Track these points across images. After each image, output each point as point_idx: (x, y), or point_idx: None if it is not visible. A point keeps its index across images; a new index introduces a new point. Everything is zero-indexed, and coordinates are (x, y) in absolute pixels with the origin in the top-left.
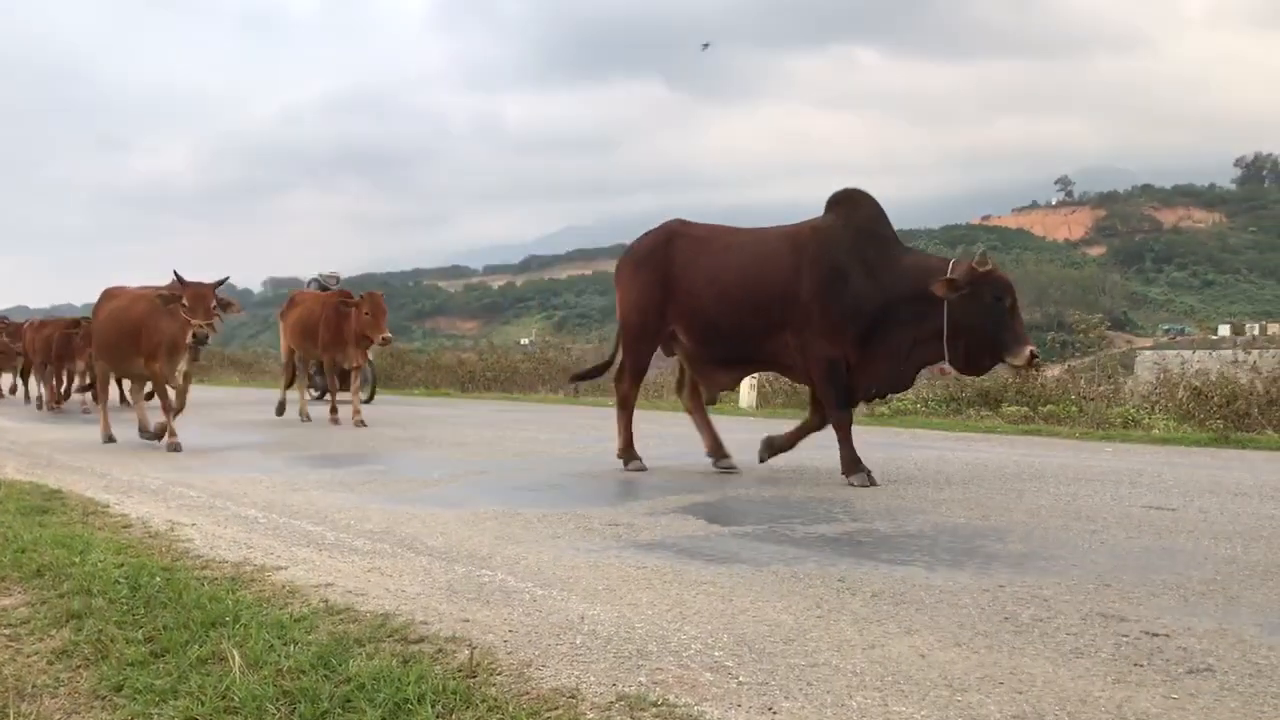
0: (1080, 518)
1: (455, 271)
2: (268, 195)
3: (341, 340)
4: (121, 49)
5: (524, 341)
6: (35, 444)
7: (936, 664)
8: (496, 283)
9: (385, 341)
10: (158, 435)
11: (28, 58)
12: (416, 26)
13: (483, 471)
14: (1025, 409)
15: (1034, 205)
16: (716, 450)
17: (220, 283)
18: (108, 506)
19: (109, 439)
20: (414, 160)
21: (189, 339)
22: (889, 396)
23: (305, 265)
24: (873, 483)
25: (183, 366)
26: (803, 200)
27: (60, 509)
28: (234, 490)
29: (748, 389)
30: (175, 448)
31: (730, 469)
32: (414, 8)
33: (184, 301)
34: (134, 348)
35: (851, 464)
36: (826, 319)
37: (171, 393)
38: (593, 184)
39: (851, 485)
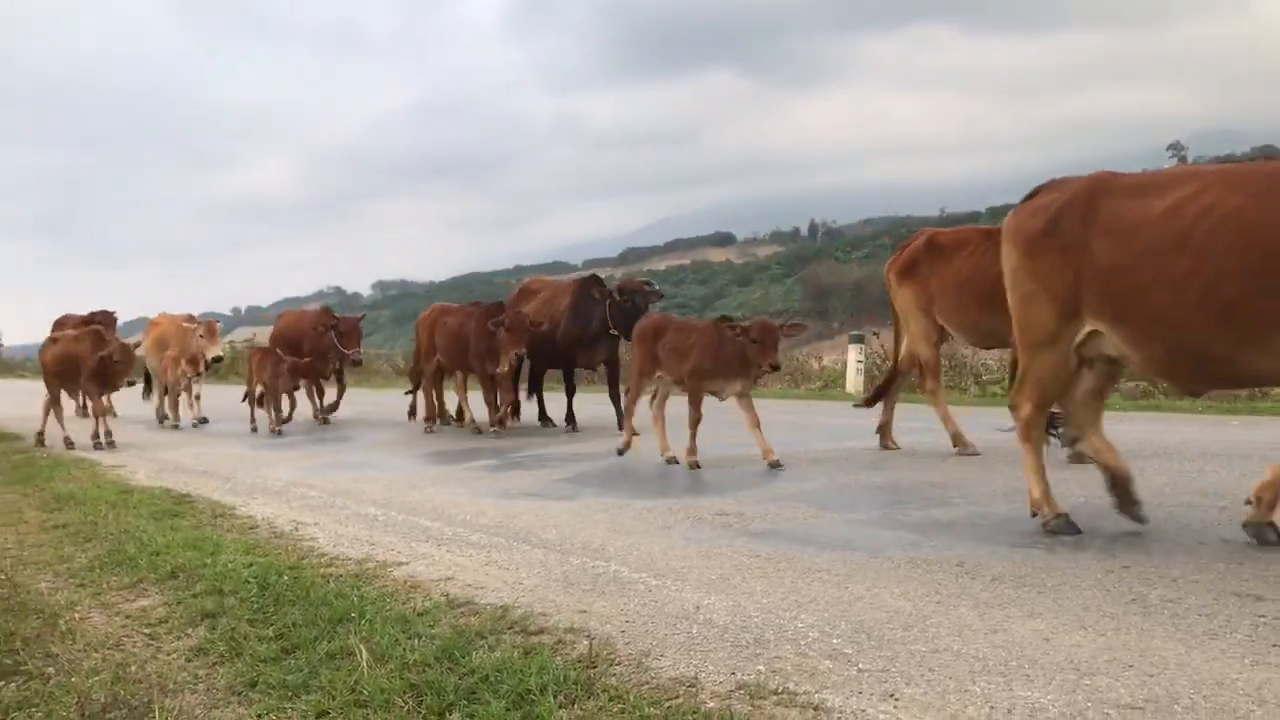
0: (1207, 494)
1: (556, 267)
2: (362, 202)
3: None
4: (210, 70)
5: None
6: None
7: (1062, 647)
8: None
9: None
10: None
11: (120, 83)
12: (488, 34)
13: (593, 463)
14: (1143, 384)
15: None
16: None
17: None
18: (234, 509)
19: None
20: (502, 163)
21: None
22: None
23: (411, 268)
24: None
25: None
26: (897, 182)
27: (190, 512)
28: (353, 489)
29: (855, 373)
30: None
31: None
32: (484, 16)
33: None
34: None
35: None
36: None
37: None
38: (683, 175)
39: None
